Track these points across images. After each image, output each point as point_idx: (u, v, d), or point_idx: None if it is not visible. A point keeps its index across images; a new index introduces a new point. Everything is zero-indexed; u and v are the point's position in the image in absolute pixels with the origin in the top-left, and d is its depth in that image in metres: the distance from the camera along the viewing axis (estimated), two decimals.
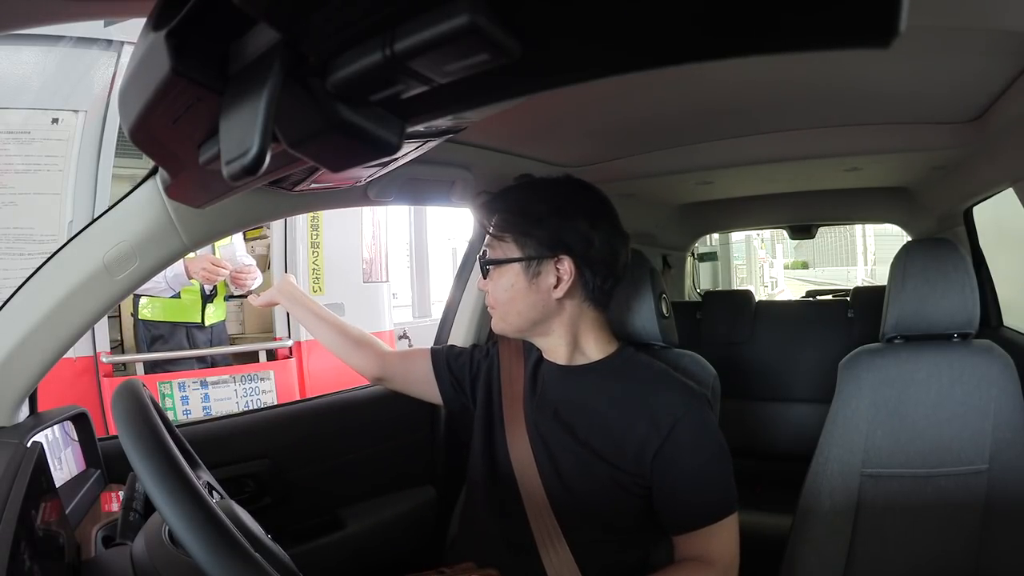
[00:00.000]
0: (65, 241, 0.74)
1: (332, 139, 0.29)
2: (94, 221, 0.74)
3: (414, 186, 1.01)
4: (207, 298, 2.58)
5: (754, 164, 1.23)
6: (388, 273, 3.32)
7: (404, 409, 1.27)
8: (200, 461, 0.73)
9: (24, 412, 0.78)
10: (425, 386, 1.02)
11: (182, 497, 0.46)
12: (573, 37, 0.23)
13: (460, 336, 1.31)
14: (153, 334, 2.50)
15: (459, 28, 0.21)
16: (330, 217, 2.99)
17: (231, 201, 0.68)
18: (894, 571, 1.05)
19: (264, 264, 2.96)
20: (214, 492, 0.69)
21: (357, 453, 1.17)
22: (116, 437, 0.52)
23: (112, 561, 0.60)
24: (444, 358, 1.01)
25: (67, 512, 0.69)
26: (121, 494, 0.71)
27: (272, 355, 2.84)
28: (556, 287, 0.83)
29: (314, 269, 2.95)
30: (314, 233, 2.95)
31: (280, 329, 2.91)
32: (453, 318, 1.33)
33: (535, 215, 0.83)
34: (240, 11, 0.24)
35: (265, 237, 3.06)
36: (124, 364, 2.53)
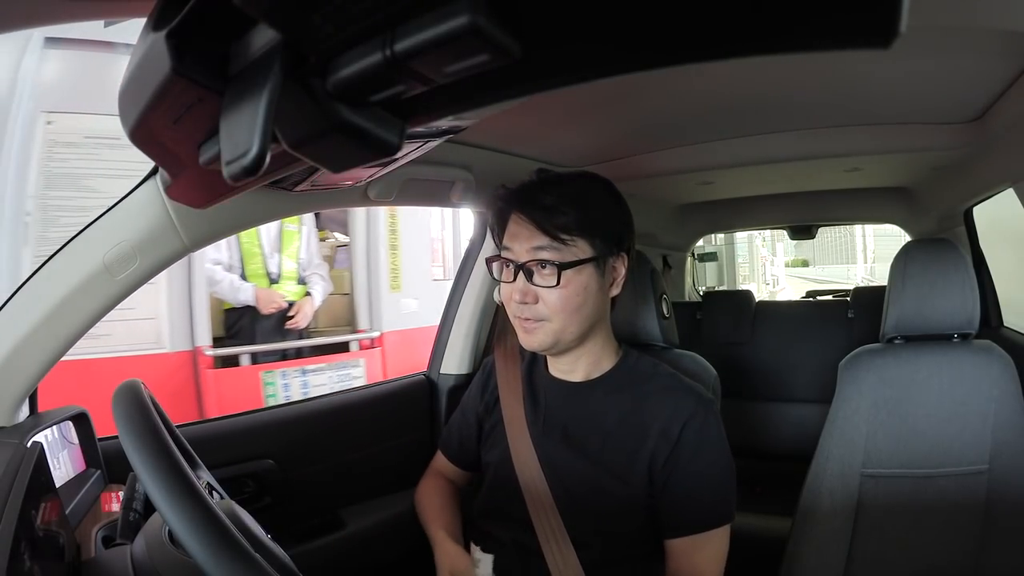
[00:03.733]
0: (65, 241, 0.74)
1: (332, 140, 0.29)
2: (94, 221, 0.74)
3: (414, 186, 1.01)
4: (272, 282, 2.76)
5: (754, 164, 1.23)
6: (454, 272, 3.63)
7: (404, 409, 1.27)
8: (200, 461, 0.73)
9: (24, 412, 0.78)
10: (469, 475, 1.01)
11: (182, 497, 0.46)
12: (573, 37, 0.23)
13: (459, 342, 1.31)
14: (228, 322, 2.70)
15: (459, 29, 0.21)
16: (404, 219, 3.32)
17: (231, 201, 0.68)
18: (894, 571, 1.05)
19: (330, 263, 3.25)
20: (214, 492, 0.69)
21: (357, 453, 1.17)
22: (116, 437, 0.52)
23: (112, 561, 0.60)
24: (458, 448, 1.00)
25: (67, 512, 0.69)
26: (121, 494, 0.71)
27: (353, 346, 3.16)
28: (612, 285, 0.82)
29: (393, 269, 3.26)
30: (392, 236, 3.27)
31: (363, 321, 3.21)
32: (451, 327, 1.33)
33: (601, 209, 0.80)
34: (240, 11, 0.24)
35: (327, 239, 3.46)
36: (225, 356, 2.66)
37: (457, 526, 0.92)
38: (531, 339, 0.81)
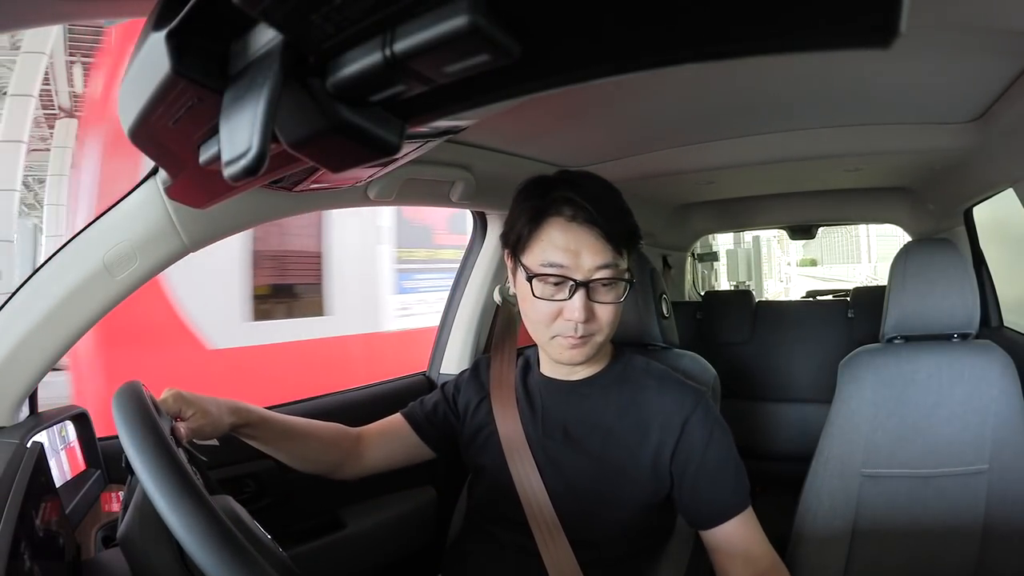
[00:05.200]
0: (65, 241, 0.74)
1: (332, 139, 0.29)
2: (94, 221, 0.74)
3: (414, 186, 1.01)
4: None
5: (755, 164, 1.23)
6: None
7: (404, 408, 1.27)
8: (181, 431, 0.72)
9: (24, 412, 0.78)
10: (416, 451, 0.94)
11: (182, 498, 0.46)
12: (573, 38, 0.23)
13: (458, 342, 1.31)
14: None
15: (459, 29, 0.21)
16: None
17: (231, 201, 0.68)
18: (894, 571, 1.05)
19: None
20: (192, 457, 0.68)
21: None
22: (116, 437, 0.52)
23: (112, 561, 0.60)
24: (423, 418, 0.93)
25: (67, 512, 0.69)
26: (121, 494, 0.71)
27: None
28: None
29: None
30: None
31: None
32: (450, 328, 1.33)
33: (632, 218, 0.78)
34: (240, 11, 0.24)
35: None
36: None
37: (254, 416, 0.81)
38: (578, 354, 0.77)
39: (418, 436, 0.93)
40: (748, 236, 6.41)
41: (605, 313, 0.75)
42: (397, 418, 0.96)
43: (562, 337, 0.76)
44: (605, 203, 0.73)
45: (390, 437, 0.94)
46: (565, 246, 0.73)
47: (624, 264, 0.75)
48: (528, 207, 0.76)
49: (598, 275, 0.73)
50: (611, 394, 0.84)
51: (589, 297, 0.73)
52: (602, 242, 0.72)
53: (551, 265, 0.73)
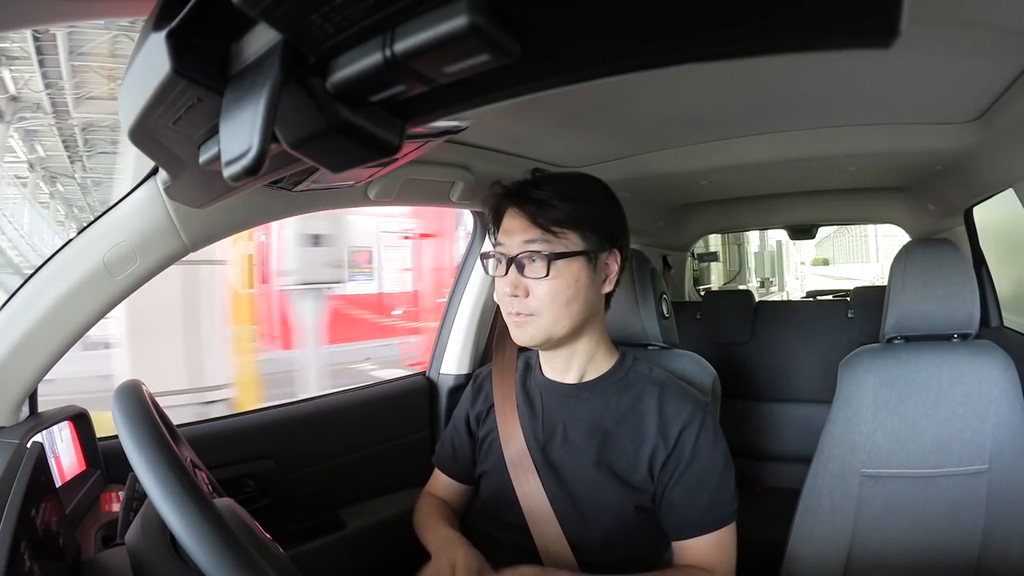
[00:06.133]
0: (65, 241, 0.74)
1: (332, 140, 0.29)
2: (94, 221, 0.74)
3: (414, 186, 1.01)
4: None
5: (755, 164, 1.23)
6: None
7: (404, 409, 1.27)
8: (183, 438, 0.72)
9: (24, 412, 0.78)
10: (467, 491, 0.97)
11: (183, 498, 0.46)
12: (573, 38, 0.23)
13: (458, 342, 1.31)
14: None
15: (459, 29, 0.21)
16: None
17: (231, 201, 0.68)
18: (894, 571, 1.05)
19: None
20: (197, 471, 0.68)
21: (357, 453, 1.17)
22: (116, 437, 0.52)
23: (112, 561, 0.60)
24: (451, 460, 0.97)
25: (67, 512, 0.69)
26: (121, 494, 0.71)
27: None
28: (604, 282, 0.83)
29: None
30: None
31: None
32: (450, 328, 1.33)
33: (593, 205, 0.82)
34: (240, 11, 0.24)
35: None
36: None
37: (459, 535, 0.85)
38: (522, 333, 0.81)
39: (457, 481, 0.97)
40: (772, 241, 7.70)
41: (540, 290, 0.78)
42: (437, 473, 1.00)
43: (511, 314, 0.81)
44: (548, 191, 0.80)
45: (448, 493, 0.98)
46: (506, 229, 0.82)
47: (560, 244, 0.78)
48: (489, 198, 0.86)
49: (523, 249, 0.79)
50: (611, 399, 0.84)
51: (522, 274, 0.79)
52: (529, 223, 0.79)
53: (498, 245, 0.83)
